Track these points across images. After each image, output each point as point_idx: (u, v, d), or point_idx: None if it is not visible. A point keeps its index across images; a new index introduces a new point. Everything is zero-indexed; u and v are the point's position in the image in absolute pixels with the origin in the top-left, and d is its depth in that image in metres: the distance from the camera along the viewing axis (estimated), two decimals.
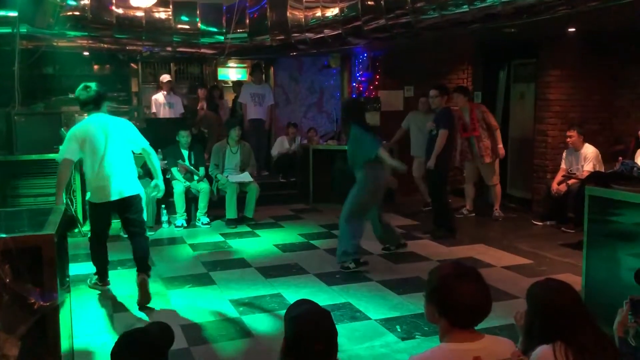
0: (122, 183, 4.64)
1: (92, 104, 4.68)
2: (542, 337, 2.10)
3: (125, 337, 2.03)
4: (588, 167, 6.80)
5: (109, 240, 5.18)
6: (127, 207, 4.69)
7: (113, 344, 2.04)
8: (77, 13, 7.78)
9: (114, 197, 4.59)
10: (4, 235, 2.68)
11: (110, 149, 4.58)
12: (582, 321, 2.06)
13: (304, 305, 2.04)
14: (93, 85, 4.77)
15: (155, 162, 4.92)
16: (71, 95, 9.46)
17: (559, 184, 7.01)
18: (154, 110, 9.30)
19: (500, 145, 7.57)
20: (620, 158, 5.97)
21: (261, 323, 4.26)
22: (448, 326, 1.99)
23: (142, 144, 4.81)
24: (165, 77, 9.39)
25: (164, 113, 9.16)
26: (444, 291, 1.99)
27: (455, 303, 1.95)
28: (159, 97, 9.24)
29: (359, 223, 5.54)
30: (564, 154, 7.17)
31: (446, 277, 2.03)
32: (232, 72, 11.73)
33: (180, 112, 9.25)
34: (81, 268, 5.57)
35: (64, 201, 4.67)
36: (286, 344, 1.95)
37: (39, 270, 2.77)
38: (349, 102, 6.87)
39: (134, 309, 4.59)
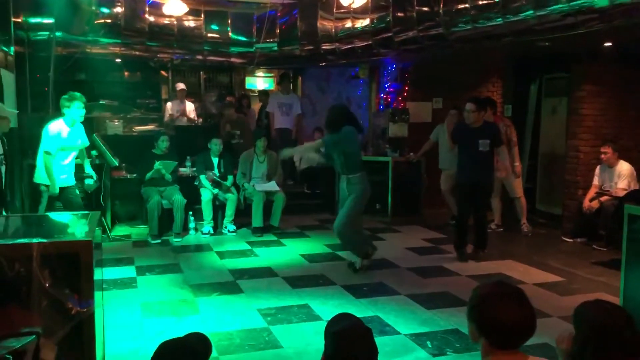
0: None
1: None
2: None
3: (165, 348, 2.01)
4: (622, 185, 6.67)
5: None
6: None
7: (149, 353, 2.02)
8: (110, 20, 7.92)
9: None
10: (43, 240, 2.71)
11: None
12: (637, 346, 1.98)
13: (346, 321, 2.00)
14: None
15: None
16: (102, 101, 9.66)
17: (591, 200, 6.88)
18: (166, 118, 9.39)
19: (517, 163, 7.44)
20: None
21: (289, 334, 4.23)
22: (488, 346, 1.94)
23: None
24: (179, 85, 9.43)
25: (177, 121, 9.23)
26: (482, 310, 1.94)
27: (494, 323, 1.90)
28: (169, 105, 9.34)
29: (357, 228, 5.79)
30: (597, 170, 7.04)
31: (486, 296, 1.98)
32: (260, 81, 11.80)
33: (192, 117, 9.34)
34: (110, 272, 5.61)
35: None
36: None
37: (75, 276, 2.80)
38: (342, 108, 6.04)
39: (163, 315, 4.61)
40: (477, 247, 6.40)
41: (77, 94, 5.86)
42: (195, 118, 9.65)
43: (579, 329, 2.05)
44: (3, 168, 5.70)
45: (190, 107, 9.53)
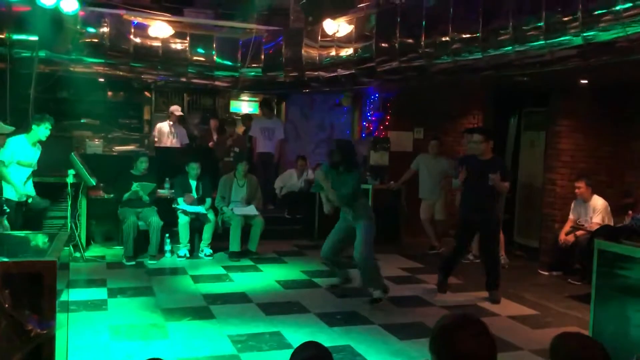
0: None
1: None
2: None
3: None
4: (597, 219, 6.74)
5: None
6: None
7: None
8: (95, 40, 7.94)
9: None
10: (6, 259, 2.66)
11: None
12: None
13: (310, 351, 1.98)
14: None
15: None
16: (83, 120, 9.61)
17: (566, 234, 6.94)
18: (156, 138, 9.32)
19: None
20: (630, 212, 5.92)
21: None
22: None
23: None
24: (177, 110, 9.38)
25: (167, 142, 9.21)
26: (441, 342, 1.92)
27: (452, 355, 1.88)
28: (164, 126, 9.29)
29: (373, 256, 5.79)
30: (573, 205, 7.12)
31: (445, 328, 1.96)
32: (244, 105, 11.83)
33: (184, 142, 9.33)
34: (80, 294, 5.51)
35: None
36: None
37: (38, 297, 2.74)
38: (348, 145, 6.23)
39: (131, 339, 4.52)
40: (491, 289, 6.01)
41: (48, 116, 6.23)
42: (186, 143, 9.56)
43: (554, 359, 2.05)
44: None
45: (182, 130, 9.43)
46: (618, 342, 3.81)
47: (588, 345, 2.03)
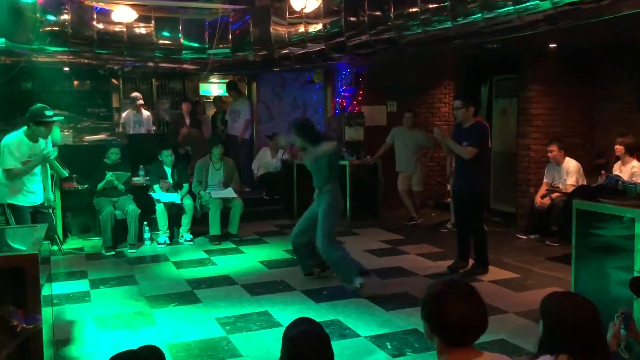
0: None
1: None
2: (551, 348, 2.07)
3: None
4: (571, 181, 6.87)
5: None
6: None
7: None
8: (57, 28, 7.67)
9: None
10: None
11: None
12: (595, 339, 2.03)
13: (303, 327, 1.99)
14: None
15: None
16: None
17: (542, 197, 7.07)
18: (127, 127, 9.21)
19: None
20: (603, 172, 6.04)
21: (249, 342, 4.18)
22: (441, 344, 1.95)
23: None
24: (138, 97, 9.25)
25: (132, 131, 9.09)
26: (432, 308, 1.95)
27: (445, 320, 1.91)
28: (130, 115, 9.20)
29: (338, 243, 5.58)
30: (546, 168, 7.24)
31: (435, 295, 1.98)
32: (214, 87, 11.68)
33: (149, 128, 9.19)
34: (62, 287, 5.43)
35: None
36: None
37: (21, 292, 2.69)
38: (306, 124, 5.82)
39: (117, 328, 4.48)
40: (475, 263, 5.86)
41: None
42: (153, 129, 9.46)
43: (544, 318, 2.09)
44: None
45: (147, 116, 9.32)
46: (600, 300, 3.89)
47: (579, 303, 2.08)
